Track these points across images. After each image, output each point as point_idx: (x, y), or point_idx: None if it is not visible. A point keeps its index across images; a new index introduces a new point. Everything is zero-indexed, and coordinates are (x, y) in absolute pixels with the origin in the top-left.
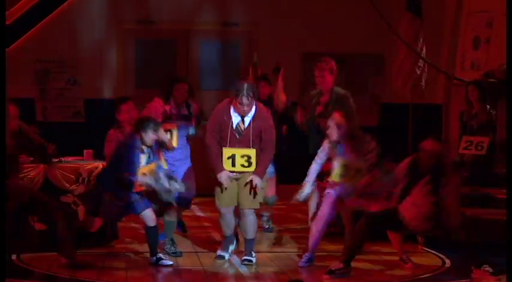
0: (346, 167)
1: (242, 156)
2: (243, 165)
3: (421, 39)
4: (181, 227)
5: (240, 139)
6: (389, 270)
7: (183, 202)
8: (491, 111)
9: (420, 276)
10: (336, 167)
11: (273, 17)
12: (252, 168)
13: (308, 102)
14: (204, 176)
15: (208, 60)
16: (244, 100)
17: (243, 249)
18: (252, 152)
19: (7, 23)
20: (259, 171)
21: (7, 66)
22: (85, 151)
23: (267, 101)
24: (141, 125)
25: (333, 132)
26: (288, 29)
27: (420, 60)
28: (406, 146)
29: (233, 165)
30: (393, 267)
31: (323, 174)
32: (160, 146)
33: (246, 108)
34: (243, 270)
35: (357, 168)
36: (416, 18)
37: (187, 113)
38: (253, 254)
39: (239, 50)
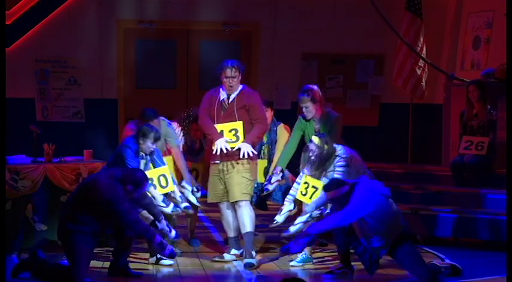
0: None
1: (230, 131)
2: (231, 141)
3: (421, 39)
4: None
5: (226, 114)
6: (389, 270)
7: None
8: (492, 111)
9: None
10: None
11: (273, 17)
12: (240, 142)
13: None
14: (206, 175)
15: (208, 60)
16: (228, 71)
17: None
18: (238, 125)
19: (7, 23)
20: (247, 140)
21: (7, 66)
22: (85, 151)
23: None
24: (142, 132)
25: (314, 156)
26: (288, 29)
27: (420, 60)
28: (406, 146)
29: None
30: (393, 267)
31: None
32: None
33: (231, 81)
34: (243, 270)
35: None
36: (416, 18)
37: (198, 147)
38: (254, 254)
39: (239, 50)
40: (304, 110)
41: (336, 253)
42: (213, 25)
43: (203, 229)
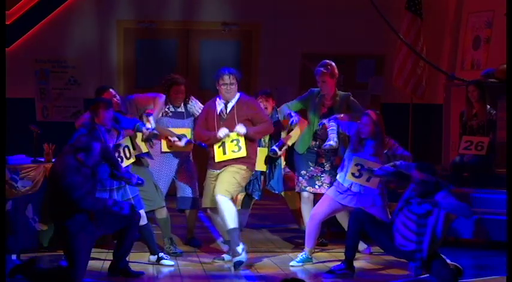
0: (359, 166)
1: (232, 142)
2: (233, 151)
3: (421, 39)
4: (196, 242)
5: (224, 125)
6: (389, 270)
7: (187, 203)
8: (491, 111)
9: (420, 276)
10: (350, 165)
11: (273, 17)
12: (243, 152)
13: (309, 99)
14: (205, 175)
15: (208, 60)
16: (226, 78)
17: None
18: (240, 136)
19: (7, 23)
20: (248, 128)
21: (7, 66)
22: None
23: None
24: (91, 108)
25: (366, 129)
26: (288, 29)
27: (421, 60)
28: (406, 146)
29: (224, 153)
30: (393, 267)
31: (313, 181)
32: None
33: (228, 87)
34: (243, 270)
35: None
36: (416, 18)
37: (184, 111)
38: (240, 251)
39: (239, 50)
40: (321, 84)
41: (336, 253)
42: (213, 25)
43: (203, 229)
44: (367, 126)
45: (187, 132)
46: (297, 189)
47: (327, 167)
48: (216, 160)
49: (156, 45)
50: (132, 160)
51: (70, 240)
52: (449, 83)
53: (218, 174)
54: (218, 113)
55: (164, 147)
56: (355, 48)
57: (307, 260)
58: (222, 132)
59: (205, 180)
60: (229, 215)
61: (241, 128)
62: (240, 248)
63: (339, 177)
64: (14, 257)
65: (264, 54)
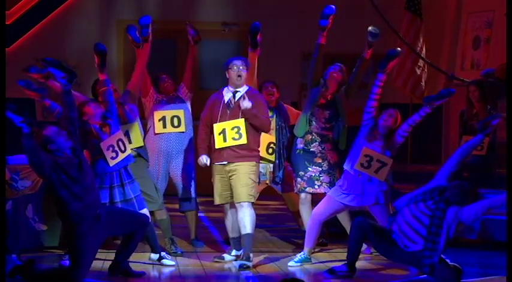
0: (368, 157)
1: (232, 129)
2: (234, 138)
3: (421, 39)
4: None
5: (231, 114)
6: (389, 270)
7: (190, 205)
8: (492, 111)
9: (420, 276)
10: (359, 155)
11: (273, 17)
12: (243, 140)
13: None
14: (206, 175)
15: (208, 60)
16: (237, 62)
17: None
18: (240, 122)
19: (7, 23)
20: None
21: (7, 66)
22: (85, 151)
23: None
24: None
25: (389, 121)
26: (288, 29)
27: (420, 60)
28: (406, 146)
29: (224, 140)
30: (393, 267)
31: (313, 181)
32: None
33: (239, 73)
34: (242, 270)
35: (381, 161)
36: (416, 18)
37: (176, 97)
38: (251, 257)
39: (239, 50)
40: (331, 77)
41: (336, 253)
42: (213, 25)
43: (203, 229)
44: (391, 117)
45: (180, 113)
46: (296, 190)
47: (325, 166)
48: (216, 147)
49: (156, 45)
50: (127, 153)
51: (77, 240)
52: (449, 83)
53: (226, 169)
54: (226, 102)
55: (158, 129)
56: (355, 48)
57: (306, 260)
58: (202, 160)
59: (212, 177)
60: (251, 221)
61: (247, 103)
62: (251, 254)
63: (346, 164)
64: (14, 257)
65: (264, 54)
